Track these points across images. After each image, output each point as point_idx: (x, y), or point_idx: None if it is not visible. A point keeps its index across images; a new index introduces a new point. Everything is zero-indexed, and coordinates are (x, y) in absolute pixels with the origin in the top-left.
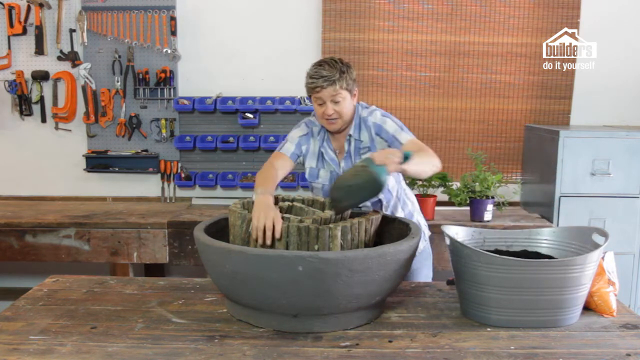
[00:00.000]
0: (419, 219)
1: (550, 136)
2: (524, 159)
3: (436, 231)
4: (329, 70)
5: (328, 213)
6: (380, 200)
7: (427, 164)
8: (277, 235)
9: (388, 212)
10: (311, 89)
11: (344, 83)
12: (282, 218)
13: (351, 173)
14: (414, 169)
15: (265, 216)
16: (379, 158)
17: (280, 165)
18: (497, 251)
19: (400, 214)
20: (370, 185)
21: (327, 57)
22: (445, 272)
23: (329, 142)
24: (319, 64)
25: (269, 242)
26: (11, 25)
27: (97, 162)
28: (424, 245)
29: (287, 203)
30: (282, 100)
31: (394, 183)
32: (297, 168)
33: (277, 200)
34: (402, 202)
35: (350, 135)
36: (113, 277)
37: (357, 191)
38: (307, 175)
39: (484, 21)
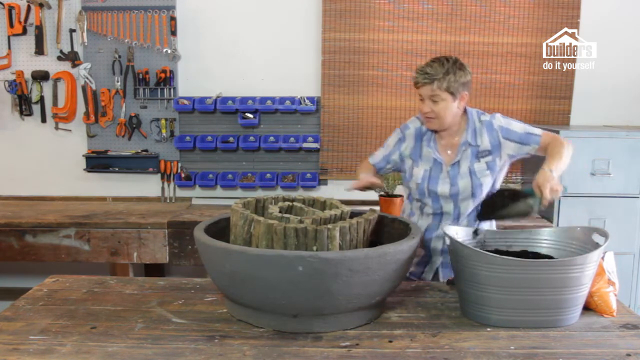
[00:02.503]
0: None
1: None
2: (524, 159)
3: None
4: (434, 68)
5: (327, 213)
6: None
7: (566, 156)
8: None
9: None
10: (414, 83)
11: (444, 84)
12: (281, 218)
13: (515, 206)
14: (561, 171)
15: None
16: (545, 193)
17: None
18: (497, 251)
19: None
20: (523, 214)
21: (446, 55)
22: None
23: (436, 143)
24: (432, 60)
25: None
26: (11, 25)
27: (97, 162)
28: None
29: (287, 203)
30: (282, 100)
31: (485, 192)
32: (297, 168)
33: (275, 201)
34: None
35: (467, 143)
36: (113, 277)
37: (507, 216)
38: (405, 177)
39: (484, 21)
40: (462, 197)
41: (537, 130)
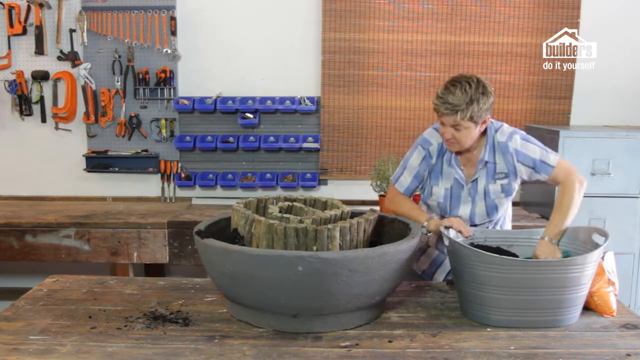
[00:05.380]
0: None
1: (550, 136)
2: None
3: None
4: (457, 97)
5: (328, 213)
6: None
7: (574, 208)
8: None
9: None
10: (434, 110)
11: (467, 114)
12: (282, 218)
13: None
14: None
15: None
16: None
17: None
18: (497, 251)
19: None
20: None
21: (466, 76)
22: None
23: (457, 161)
24: (453, 84)
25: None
26: (11, 25)
27: (97, 162)
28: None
29: (287, 203)
30: (282, 100)
31: (502, 212)
32: (297, 168)
33: (277, 200)
34: (501, 222)
35: (485, 162)
36: (113, 277)
37: None
38: (423, 194)
39: (484, 21)
40: (479, 217)
41: (553, 159)
